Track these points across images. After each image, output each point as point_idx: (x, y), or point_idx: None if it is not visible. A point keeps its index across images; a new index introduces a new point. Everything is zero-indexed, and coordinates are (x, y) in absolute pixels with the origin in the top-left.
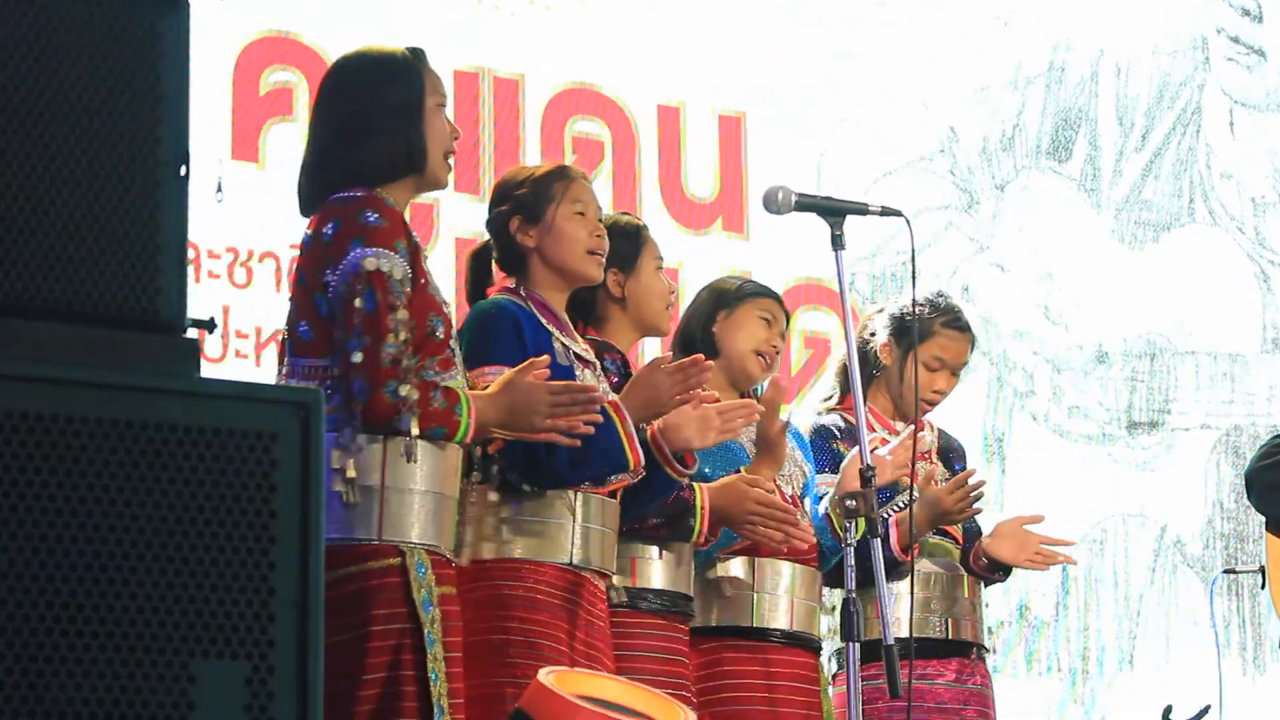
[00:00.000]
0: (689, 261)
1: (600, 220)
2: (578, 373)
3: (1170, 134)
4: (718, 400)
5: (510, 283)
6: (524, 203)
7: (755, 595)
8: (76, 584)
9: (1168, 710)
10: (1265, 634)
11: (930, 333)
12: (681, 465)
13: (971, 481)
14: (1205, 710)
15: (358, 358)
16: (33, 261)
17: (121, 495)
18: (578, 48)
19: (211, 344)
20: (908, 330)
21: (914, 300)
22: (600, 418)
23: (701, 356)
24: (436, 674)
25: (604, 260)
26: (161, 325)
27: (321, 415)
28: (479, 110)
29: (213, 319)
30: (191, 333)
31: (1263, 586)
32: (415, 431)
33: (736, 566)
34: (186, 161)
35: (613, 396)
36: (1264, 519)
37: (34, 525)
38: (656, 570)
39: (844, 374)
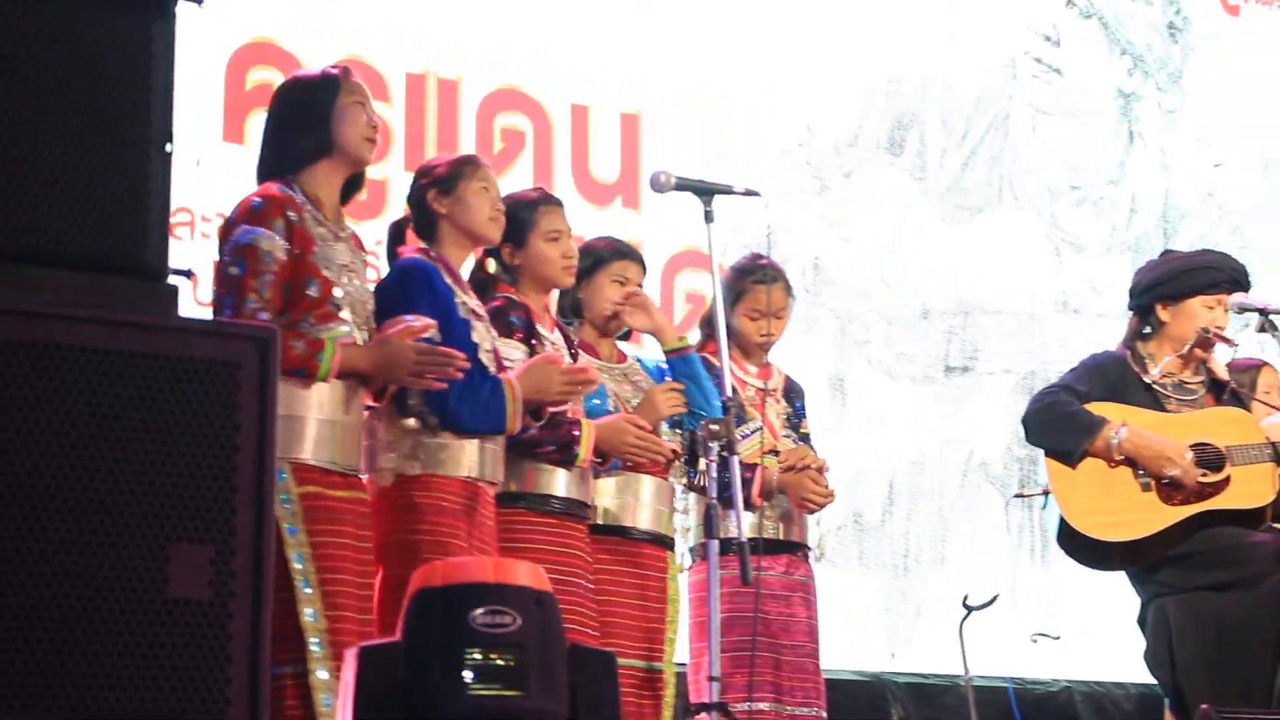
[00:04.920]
0: (592, 232)
1: (499, 198)
2: (473, 324)
3: (985, 135)
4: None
5: (421, 244)
6: (440, 178)
7: (629, 502)
8: (75, 482)
9: (965, 598)
10: (1049, 538)
11: (744, 290)
12: (534, 418)
13: (815, 472)
14: (994, 599)
15: (227, 314)
16: (42, 220)
17: (112, 412)
18: (507, 54)
19: (204, 293)
20: (726, 291)
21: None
22: (460, 375)
23: (589, 370)
24: (301, 556)
25: (503, 226)
26: (147, 273)
27: (277, 349)
28: (425, 105)
29: (190, 269)
30: (173, 280)
31: (1044, 507)
32: None
33: (609, 485)
34: (170, 139)
35: (508, 375)
36: (1042, 451)
37: (39, 437)
38: (560, 480)
39: (705, 324)
